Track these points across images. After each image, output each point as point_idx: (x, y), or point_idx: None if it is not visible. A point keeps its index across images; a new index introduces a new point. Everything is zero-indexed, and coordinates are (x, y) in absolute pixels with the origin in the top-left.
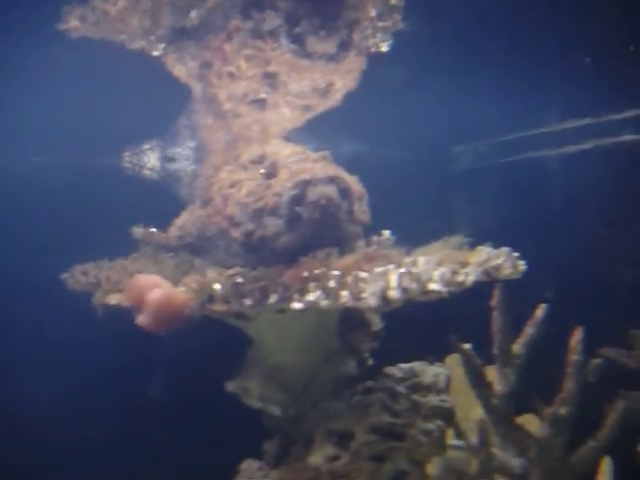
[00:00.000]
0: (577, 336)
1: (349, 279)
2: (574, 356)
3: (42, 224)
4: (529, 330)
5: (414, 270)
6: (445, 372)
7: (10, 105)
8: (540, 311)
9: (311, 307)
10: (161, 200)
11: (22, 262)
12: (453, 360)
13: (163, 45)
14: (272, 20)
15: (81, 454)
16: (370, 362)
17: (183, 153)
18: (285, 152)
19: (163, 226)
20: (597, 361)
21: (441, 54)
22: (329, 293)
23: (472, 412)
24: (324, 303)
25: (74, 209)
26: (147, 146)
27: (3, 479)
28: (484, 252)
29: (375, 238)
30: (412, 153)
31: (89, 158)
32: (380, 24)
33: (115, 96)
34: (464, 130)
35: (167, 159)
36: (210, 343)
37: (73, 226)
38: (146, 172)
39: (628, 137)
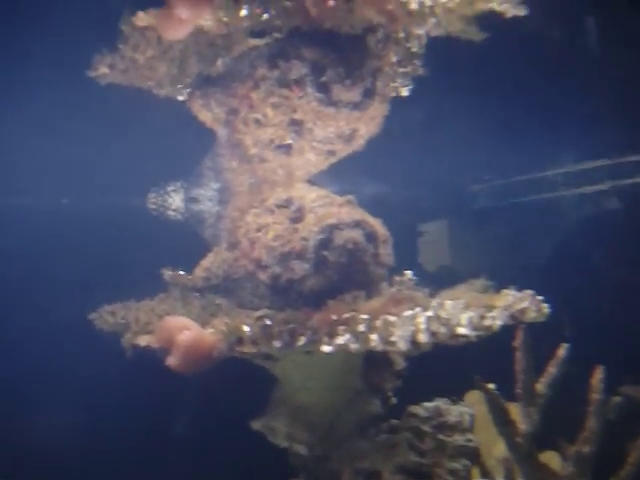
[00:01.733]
0: (598, 375)
1: (378, 323)
2: (595, 395)
3: (69, 265)
4: (551, 370)
5: (442, 314)
6: (469, 411)
7: (40, 147)
8: (562, 351)
9: (340, 350)
10: (185, 241)
11: (50, 302)
12: (474, 397)
13: (189, 90)
14: (298, 69)
15: None
16: (393, 401)
17: (207, 195)
18: (311, 196)
19: (187, 266)
20: (617, 399)
21: (458, 97)
22: (359, 337)
23: (494, 449)
24: (354, 347)
25: (100, 249)
26: (172, 187)
27: None
28: (509, 296)
29: (397, 278)
30: (430, 192)
31: (116, 199)
32: (400, 70)
33: (140, 139)
34: (482, 170)
35: (191, 200)
36: (236, 382)
37: (99, 266)
38: (170, 213)
39: None
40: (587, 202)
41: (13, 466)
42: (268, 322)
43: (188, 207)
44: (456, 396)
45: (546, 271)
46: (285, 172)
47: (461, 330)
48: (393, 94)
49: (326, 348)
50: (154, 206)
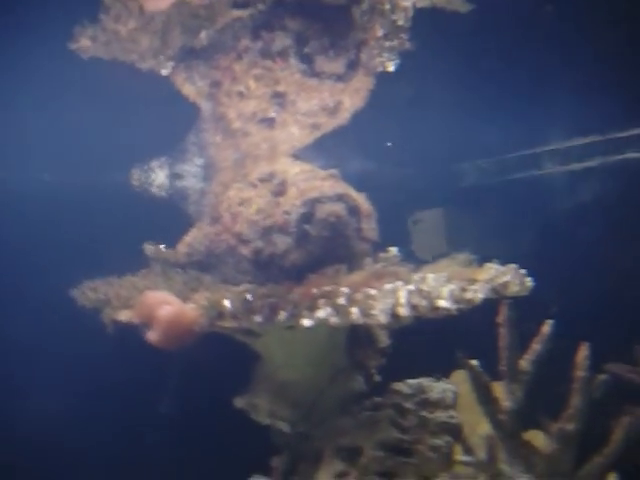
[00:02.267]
0: (583, 352)
1: (359, 296)
2: (580, 372)
3: (50, 241)
4: (536, 346)
5: (423, 287)
6: (452, 388)
7: (20, 122)
8: (546, 327)
9: (321, 324)
10: (169, 217)
11: (30, 279)
12: (459, 377)
13: (172, 64)
14: (282, 40)
15: (88, 469)
16: (377, 378)
17: (191, 171)
18: (294, 170)
19: (170, 243)
20: (603, 377)
21: (446, 72)
22: (339, 310)
23: (478, 428)
24: (334, 320)
25: (82, 226)
26: (156, 163)
27: None
28: (492, 269)
29: (382, 255)
30: (417, 170)
31: (98, 175)
32: (387, 44)
33: (124, 114)
34: (469, 147)
35: (175, 176)
36: (218, 359)
37: (81, 243)
38: (154, 189)
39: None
40: (578, 179)
41: None
42: (249, 296)
43: (172, 183)
44: (440, 375)
45: (536, 249)
46: (269, 146)
47: (442, 303)
48: (380, 69)
49: (306, 322)
50: (137, 182)
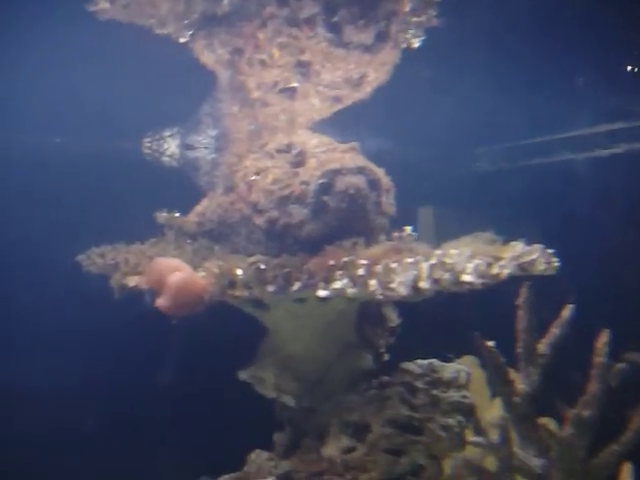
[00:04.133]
0: (603, 339)
1: (378, 268)
2: (599, 358)
3: (59, 206)
4: (555, 330)
5: (447, 260)
6: (466, 369)
7: (33, 85)
8: (566, 312)
9: (337, 295)
10: (179, 187)
11: (37, 246)
12: (468, 361)
13: (191, 32)
14: (310, 8)
15: (89, 438)
16: (386, 357)
17: (203, 142)
18: (313, 142)
19: (181, 213)
20: (621, 365)
21: (469, 53)
22: (357, 281)
23: (487, 414)
24: (351, 291)
25: (91, 191)
26: (168, 133)
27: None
28: (518, 247)
29: (396, 234)
30: (435, 152)
31: (109, 141)
32: (414, 19)
33: (137, 81)
34: (488, 132)
35: (187, 147)
36: (225, 330)
37: (89, 209)
38: (165, 159)
39: None
40: (600, 165)
41: None
42: (262, 266)
43: (183, 153)
44: (453, 356)
45: (554, 234)
46: (287, 118)
47: (466, 277)
48: (404, 45)
49: (322, 293)
50: (149, 151)
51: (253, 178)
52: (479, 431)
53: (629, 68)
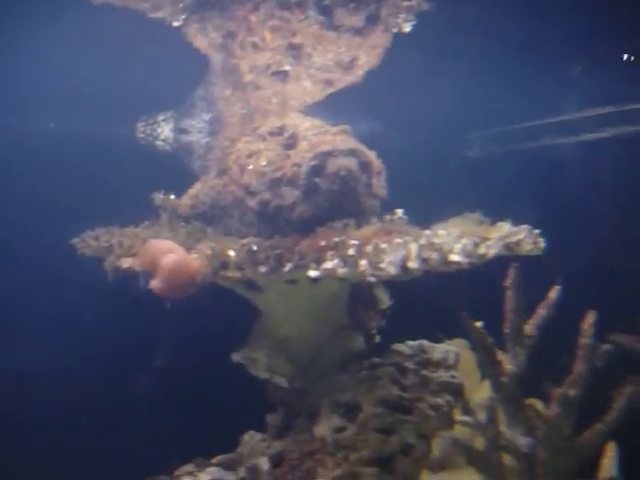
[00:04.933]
0: (589, 320)
1: (369, 248)
2: (585, 339)
3: (52, 190)
4: (542, 311)
5: (435, 241)
6: (455, 349)
7: (26, 69)
8: (553, 293)
9: (328, 276)
10: (172, 171)
11: (32, 229)
12: (459, 344)
13: (184, 16)
14: None
15: (87, 419)
16: (377, 339)
17: (197, 126)
18: (305, 125)
19: (174, 196)
20: (606, 346)
21: (459, 38)
22: (347, 261)
23: (476, 395)
24: (342, 271)
25: (85, 176)
26: (161, 117)
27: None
28: (505, 227)
29: (388, 217)
30: (425, 137)
31: (103, 126)
32: (404, 3)
33: (130, 65)
34: (479, 117)
35: (180, 131)
36: (218, 312)
37: (83, 193)
38: (159, 143)
39: None
40: (588, 150)
41: None
42: (254, 247)
43: (177, 138)
44: (443, 337)
45: (539, 218)
46: (279, 101)
47: (454, 257)
48: (395, 30)
49: (313, 273)
50: (142, 135)
51: (246, 161)
52: (467, 411)
53: (625, 57)
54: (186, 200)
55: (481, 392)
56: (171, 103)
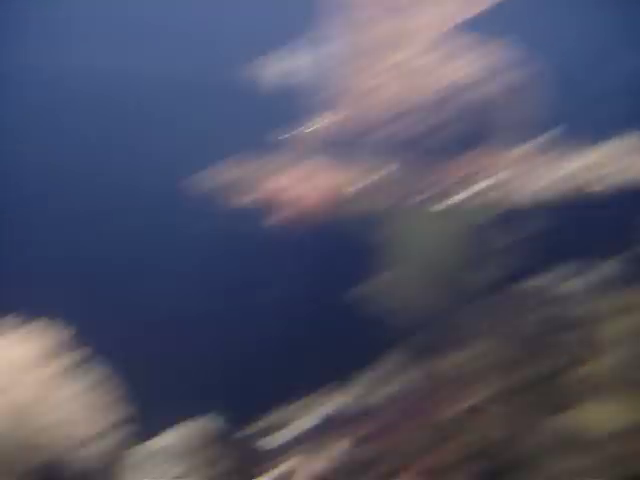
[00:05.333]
0: None
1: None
2: None
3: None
4: None
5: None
6: None
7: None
8: None
9: (462, 205)
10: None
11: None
12: None
13: None
14: None
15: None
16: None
17: (313, 61)
18: (431, 57)
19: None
20: None
21: None
22: (482, 191)
23: None
24: (479, 198)
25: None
26: (283, 52)
27: None
28: None
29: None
30: None
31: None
32: None
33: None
34: None
35: (296, 67)
36: (340, 245)
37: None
38: (277, 79)
39: None
40: None
41: None
42: (387, 177)
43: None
44: None
45: None
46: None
47: None
48: None
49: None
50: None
51: (375, 93)
52: None
53: None
54: (314, 132)
55: None
56: (286, 40)
